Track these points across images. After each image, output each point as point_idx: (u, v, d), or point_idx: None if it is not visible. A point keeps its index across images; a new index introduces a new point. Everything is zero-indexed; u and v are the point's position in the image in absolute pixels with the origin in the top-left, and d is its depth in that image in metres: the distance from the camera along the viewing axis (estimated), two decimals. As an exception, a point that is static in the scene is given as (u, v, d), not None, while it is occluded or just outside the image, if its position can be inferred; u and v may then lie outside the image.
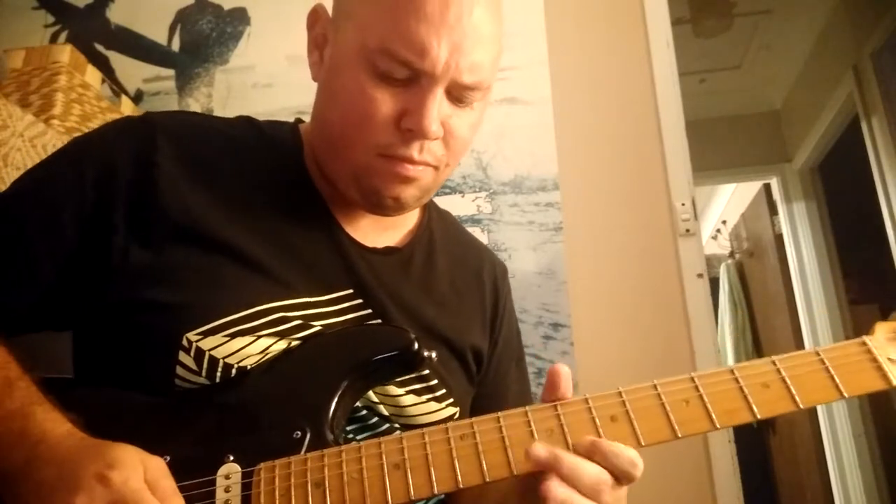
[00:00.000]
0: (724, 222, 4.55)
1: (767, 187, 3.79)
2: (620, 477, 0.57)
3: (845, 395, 0.60)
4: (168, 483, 0.55)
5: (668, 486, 1.55)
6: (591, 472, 0.56)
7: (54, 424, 0.58)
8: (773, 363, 0.62)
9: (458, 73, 0.67)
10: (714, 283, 2.12)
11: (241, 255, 0.69)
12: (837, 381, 0.61)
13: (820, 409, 3.31)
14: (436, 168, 0.73)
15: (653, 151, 1.76)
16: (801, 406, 0.60)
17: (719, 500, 1.52)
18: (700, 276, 1.66)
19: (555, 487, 0.55)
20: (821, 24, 3.17)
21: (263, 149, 0.78)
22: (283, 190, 0.76)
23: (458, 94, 0.70)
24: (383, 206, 0.73)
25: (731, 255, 4.29)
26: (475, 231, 1.74)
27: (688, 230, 1.69)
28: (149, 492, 0.53)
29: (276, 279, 0.70)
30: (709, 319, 1.64)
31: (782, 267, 3.56)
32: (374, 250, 0.78)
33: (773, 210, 3.71)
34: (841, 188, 3.42)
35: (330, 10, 0.76)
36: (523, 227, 1.75)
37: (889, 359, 0.62)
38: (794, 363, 0.62)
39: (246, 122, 0.82)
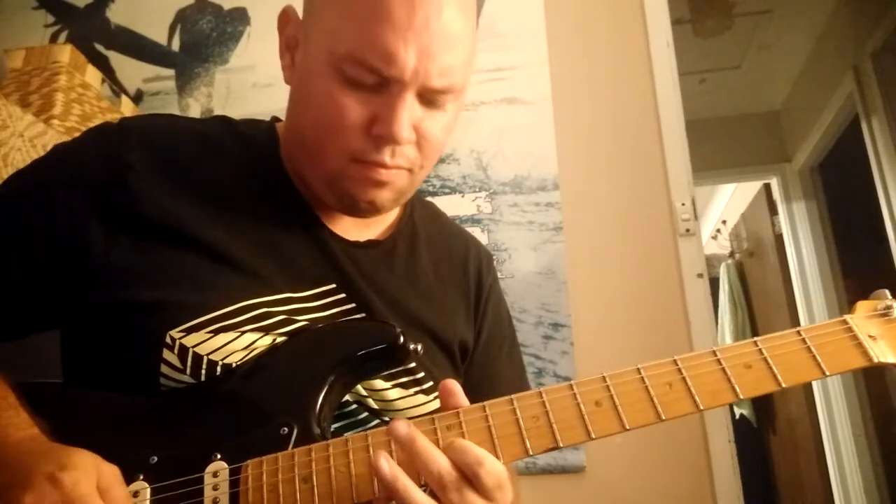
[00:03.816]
0: (724, 222, 4.55)
1: (767, 187, 3.78)
2: (469, 476, 0.55)
3: (827, 373, 0.61)
4: (119, 491, 0.56)
5: (668, 486, 1.55)
6: (439, 462, 0.55)
7: (15, 430, 0.59)
8: (755, 343, 0.62)
9: (428, 78, 0.67)
10: (714, 283, 2.12)
11: (220, 253, 0.70)
12: (819, 359, 0.61)
13: (820, 409, 3.32)
14: (410, 171, 0.73)
15: (653, 151, 1.76)
16: (784, 385, 0.60)
17: (719, 500, 1.52)
18: (700, 276, 1.66)
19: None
20: (821, 24, 3.17)
21: (240, 147, 0.79)
22: (261, 187, 0.77)
23: (429, 98, 0.69)
24: (358, 209, 0.74)
25: (731, 255, 4.29)
26: (475, 231, 1.74)
27: (688, 230, 1.69)
28: (97, 497, 0.53)
29: (257, 276, 0.70)
30: (709, 319, 1.64)
31: (782, 267, 3.55)
32: (356, 244, 0.78)
33: (773, 210, 3.71)
34: (841, 188, 3.42)
35: (300, 12, 0.76)
36: (523, 227, 1.75)
37: (870, 336, 0.62)
38: (775, 343, 0.62)
39: (221, 121, 0.82)
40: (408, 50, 0.65)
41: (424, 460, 0.56)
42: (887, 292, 0.66)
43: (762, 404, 3.90)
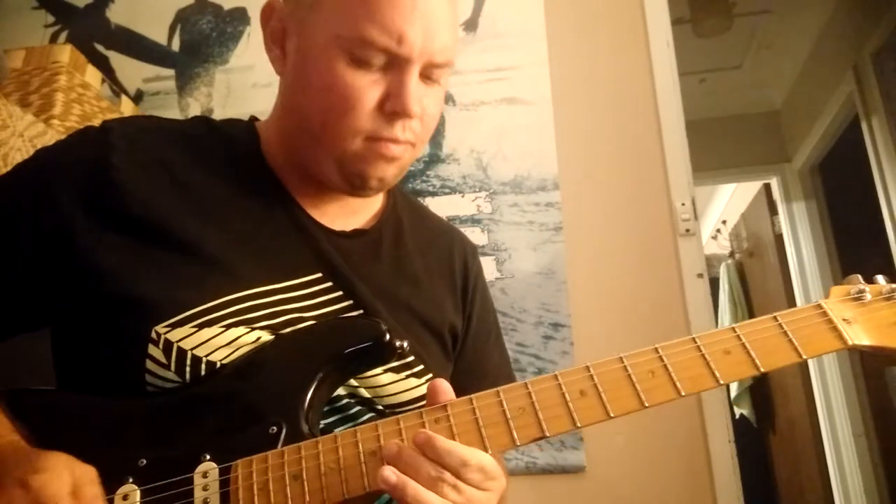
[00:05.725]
0: (724, 222, 4.55)
1: (767, 187, 3.79)
2: (459, 476, 0.58)
3: (804, 356, 0.62)
4: (92, 490, 0.57)
5: (668, 486, 1.56)
6: (428, 466, 0.58)
7: None
8: (734, 330, 0.64)
9: (432, 55, 0.72)
10: (714, 283, 2.12)
11: (202, 249, 0.70)
12: (796, 343, 0.63)
13: (820, 409, 3.32)
14: (413, 145, 0.77)
15: (653, 151, 1.76)
16: (762, 370, 0.62)
17: (719, 500, 1.52)
18: (700, 276, 1.66)
19: (390, 473, 0.57)
20: (821, 24, 3.17)
21: (219, 144, 0.80)
22: (241, 182, 0.78)
23: (429, 74, 0.74)
24: (367, 187, 0.76)
25: (731, 255, 4.29)
26: (475, 231, 1.75)
27: (688, 230, 1.69)
28: (66, 498, 0.54)
29: (241, 270, 0.71)
30: (709, 319, 1.64)
31: (782, 267, 3.56)
32: (341, 233, 0.80)
33: (773, 210, 3.71)
34: (841, 188, 3.42)
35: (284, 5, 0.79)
36: (523, 227, 1.75)
37: (844, 319, 0.64)
38: (753, 329, 0.64)
39: (200, 120, 0.84)
40: (415, 30, 0.70)
41: (415, 467, 0.58)
42: (860, 277, 0.67)
43: (762, 404, 3.90)
